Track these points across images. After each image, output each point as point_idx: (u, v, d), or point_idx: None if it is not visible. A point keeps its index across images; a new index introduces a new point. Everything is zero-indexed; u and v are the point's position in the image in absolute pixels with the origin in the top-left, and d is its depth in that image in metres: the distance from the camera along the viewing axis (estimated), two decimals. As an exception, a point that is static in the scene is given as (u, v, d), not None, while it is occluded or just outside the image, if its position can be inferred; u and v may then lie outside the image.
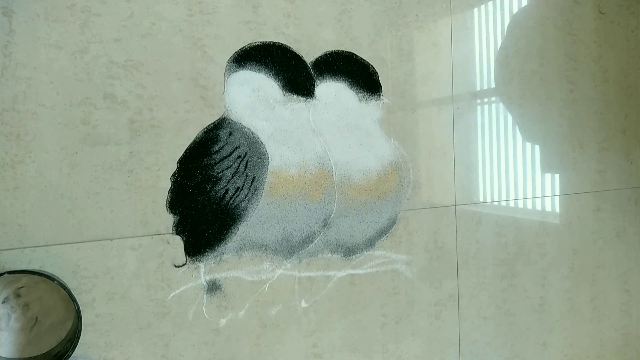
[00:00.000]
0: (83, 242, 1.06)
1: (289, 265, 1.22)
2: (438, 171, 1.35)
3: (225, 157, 1.15)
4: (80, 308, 1.00)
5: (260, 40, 1.17)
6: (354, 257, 1.28)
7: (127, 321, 1.09)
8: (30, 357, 1.03)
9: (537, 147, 1.48)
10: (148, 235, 1.10)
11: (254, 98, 1.17)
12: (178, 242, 1.13)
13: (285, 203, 1.20)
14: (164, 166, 1.11)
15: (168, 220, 1.11)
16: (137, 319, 1.10)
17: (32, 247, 1.02)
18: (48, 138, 1.02)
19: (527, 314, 1.48)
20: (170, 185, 1.11)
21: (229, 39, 1.15)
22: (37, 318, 1.03)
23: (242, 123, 1.16)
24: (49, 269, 1.03)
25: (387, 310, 1.32)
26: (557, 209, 1.52)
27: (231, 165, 1.15)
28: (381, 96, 1.28)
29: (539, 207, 1.49)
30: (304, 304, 1.24)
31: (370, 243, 1.29)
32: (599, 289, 1.57)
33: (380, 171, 1.29)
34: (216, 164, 1.14)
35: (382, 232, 1.30)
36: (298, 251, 1.22)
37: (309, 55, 1.21)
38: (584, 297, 1.55)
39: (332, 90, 1.23)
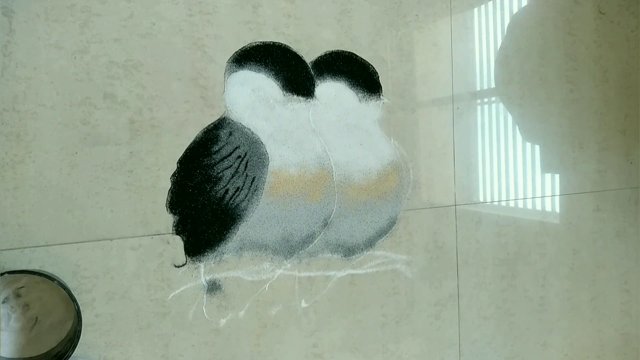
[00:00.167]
0: (83, 242, 1.06)
1: (289, 265, 1.22)
2: (438, 171, 1.35)
3: (225, 157, 1.15)
4: (80, 308, 1.00)
5: (260, 40, 1.17)
6: (354, 257, 1.28)
7: (127, 321, 1.09)
8: (30, 357, 1.03)
9: (537, 147, 1.48)
10: (148, 235, 1.10)
11: (254, 98, 1.17)
12: (178, 242, 1.13)
13: (285, 203, 1.20)
14: (164, 166, 1.11)
15: (168, 220, 1.11)
16: (137, 319, 1.10)
17: (32, 247, 1.02)
18: (48, 138, 1.02)
19: (527, 314, 1.48)
20: (170, 185, 1.11)
21: (229, 39, 1.15)
22: (37, 318, 1.03)
23: (242, 123, 1.16)
24: (49, 269, 1.03)
25: (387, 310, 1.32)
26: (557, 209, 1.52)
27: (231, 165, 1.15)
28: (381, 96, 1.28)
29: (539, 207, 1.49)
30: (304, 304, 1.24)
31: (370, 243, 1.29)
32: (599, 289, 1.57)
33: (380, 171, 1.29)
34: (216, 164, 1.14)
35: (382, 232, 1.30)
36: (298, 251, 1.22)
37: (309, 55, 1.21)
38: (584, 297, 1.55)
39: (332, 90, 1.23)
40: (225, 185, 1.15)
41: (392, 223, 1.31)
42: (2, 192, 1.00)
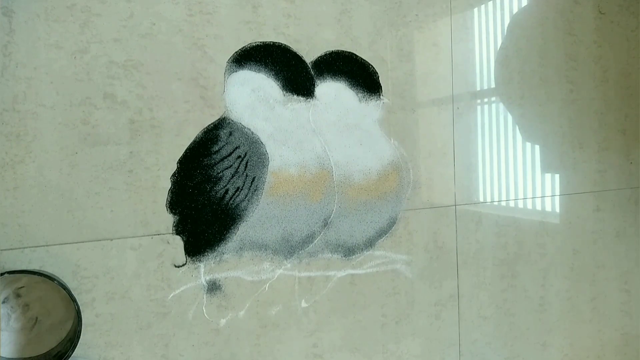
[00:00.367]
0: (83, 242, 1.06)
1: (289, 265, 1.22)
2: (438, 171, 1.35)
3: (225, 157, 1.15)
4: (80, 308, 1.00)
5: (260, 40, 1.17)
6: (354, 257, 1.28)
7: (127, 321, 1.09)
8: (30, 357, 1.03)
9: (537, 147, 1.48)
10: (148, 235, 1.10)
11: (254, 98, 1.17)
12: (178, 242, 1.13)
13: (285, 203, 1.20)
14: (164, 166, 1.11)
15: (168, 220, 1.11)
16: (137, 319, 1.10)
17: (32, 247, 1.02)
18: (48, 138, 1.02)
19: (527, 314, 1.48)
20: (170, 185, 1.11)
21: (229, 39, 1.15)
22: (37, 318, 1.03)
23: (242, 123, 1.16)
24: (49, 269, 1.03)
25: (387, 310, 1.32)
26: (557, 209, 1.52)
27: (231, 165, 1.15)
28: (381, 96, 1.28)
29: (539, 207, 1.49)
30: (304, 304, 1.24)
31: (370, 243, 1.29)
32: (599, 289, 1.57)
33: (380, 171, 1.29)
34: (216, 164, 1.14)
35: (382, 232, 1.30)
36: (298, 251, 1.22)
37: (309, 55, 1.21)
38: (584, 297, 1.55)
39: (332, 90, 1.23)
40: (225, 185, 1.15)
41: (392, 223, 1.31)
42: (2, 192, 1.00)
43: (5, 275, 0.96)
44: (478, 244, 1.41)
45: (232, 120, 1.15)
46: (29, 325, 1.03)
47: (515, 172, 1.46)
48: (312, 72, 1.21)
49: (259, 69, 1.17)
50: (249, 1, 1.16)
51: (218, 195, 1.14)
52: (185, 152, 1.12)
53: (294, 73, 1.20)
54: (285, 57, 1.19)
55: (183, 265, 1.13)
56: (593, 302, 1.57)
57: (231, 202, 1.15)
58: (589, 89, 1.52)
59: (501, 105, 1.42)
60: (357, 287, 1.29)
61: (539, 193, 1.49)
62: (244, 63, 1.16)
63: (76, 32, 1.04)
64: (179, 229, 1.12)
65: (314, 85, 1.21)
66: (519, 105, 1.44)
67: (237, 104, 1.15)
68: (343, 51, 1.24)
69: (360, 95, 1.26)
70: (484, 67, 1.39)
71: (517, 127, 1.45)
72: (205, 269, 1.15)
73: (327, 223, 1.24)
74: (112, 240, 1.08)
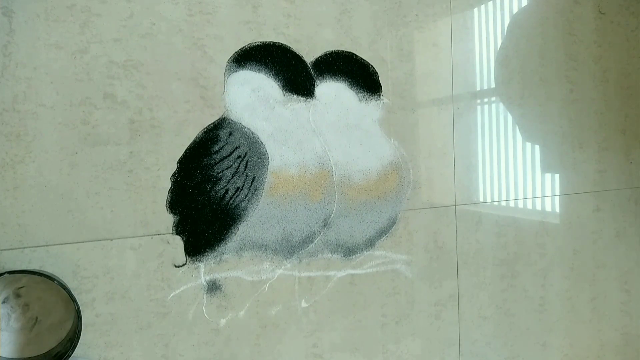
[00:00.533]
0: (83, 242, 1.06)
1: (289, 265, 1.22)
2: (438, 171, 1.35)
3: (225, 157, 1.15)
4: (80, 308, 1.00)
5: (260, 40, 1.17)
6: (354, 257, 1.28)
7: (127, 321, 1.09)
8: (30, 357, 1.03)
9: (537, 147, 1.48)
10: (148, 235, 1.10)
11: (254, 98, 1.17)
12: (178, 242, 1.13)
13: (285, 203, 1.20)
14: (164, 166, 1.11)
15: (168, 220, 1.11)
16: (137, 319, 1.10)
17: (32, 247, 1.02)
18: (48, 138, 1.02)
19: (527, 314, 1.48)
20: (170, 185, 1.11)
21: (229, 39, 1.15)
22: (37, 318, 1.03)
23: (242, 123, 1.16)
24: (49, 269, 1.03)
25: (387, 310, 1.32)
26: (557, 209, 1.52)
27: (231, 165, 1.15)
28: (381, 96, 1.28)
29: (539, 207, 1.49)
30: (304, 304, 1.24)
31: (370, 243, 1.29)
32: (599, 289, 1.57)
33: (380, 171, 1.29)
34: (216, 164, 1.14)
35: (382, 232, 1.30)
36: (298, 251, 1.22)
37: (309, 55, 1.21)
38: (584, 297, 1.55)
39: (332, 90, 1.23)
40: (225, 185, 1.15)
41: (392, 223, 1.31)
42: (2, 192, 1.00)
43: (5, 275, 0.96)
44: (478, 244, 1.41)
45: (232, 120, 1.15)
46: (29, 325, 1.03)
47: (515, 172, 1.46)
48: (312, 72, 1.21)
49: (259, 69, 1.17)
50: (249, 1, 1.16)
51: (218, 195, 1.14)
52: (185, 152, 1.12)
53: (294, 73, 1.20)
54: (285, 57, 1.19)
55: (183, 265, 1.13)
56: (593, 302, 1.57)
57: (231, 202, 1.15)
58: (589, 89, 1.52)
59: (501, 105, 1.42)
60: (357, 287, 1.29)
61: (539, 193, 1.49)
62: (244, 63, 1.16)
63: (76, 32, 1.04)
64: (179, 229, 1.12)
65: (314, 85, 1.21)
66: (519, 105, 1.44)
67: (237, 104, 1.15)
68: (343, 51, 1.24)
69: (360, 95, 1.26)
70: (484, 67, 1.39)
71: (517, 127, 1.45)
72: (205, 269, 1.15)
73: (327, 223, 1.24)
74: (112, 240, 1.08)
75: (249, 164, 1.16)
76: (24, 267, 1.02)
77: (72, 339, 1.00)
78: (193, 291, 1.14)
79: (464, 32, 1.36)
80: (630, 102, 1.57)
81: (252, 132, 1.17)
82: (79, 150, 1.05)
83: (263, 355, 1.21)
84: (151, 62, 1.09)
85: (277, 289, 1.21)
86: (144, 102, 1.09)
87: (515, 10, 1.44)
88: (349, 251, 1.27)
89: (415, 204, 1.33)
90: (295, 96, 1.20)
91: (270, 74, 1.18)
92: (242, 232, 1.17)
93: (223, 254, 1.16)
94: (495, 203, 1.43)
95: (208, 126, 1.14)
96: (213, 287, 1.16)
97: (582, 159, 1.52)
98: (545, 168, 1.49)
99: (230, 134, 1.15)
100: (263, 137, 1.17)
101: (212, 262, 1.15)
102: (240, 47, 1.16)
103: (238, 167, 1.16)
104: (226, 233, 1.16)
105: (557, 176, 1.51)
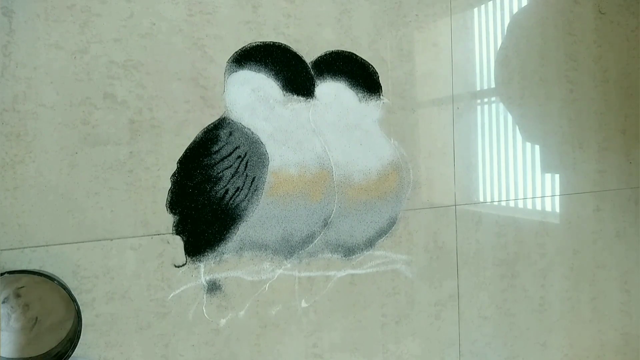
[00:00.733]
0: (83, 242, 1.06)
1: (289, 265, 1.22)
2: (438, 171, 1.35)
3: (225, 157, 1.15)
4: (80, 308, 1.00)
5: (260, 40, 1.17)
6: (354, 257, 1.28)
7: (127, 321, 1.09)
8: (30, 357, 1.03)
9: (537, 147, 1.48)
10: (148, 235, 1.10)
11: (254, 98, 1.17)
12: (178, 242, 1.13)
13: (285, 203, 1.20)
14: (164, 166, 1.11)
15: (168, 220, 1.11)
16: (137, 319, 1.10)
17: (32, 247, 1.02)
18: (48, 138, 1.02)
19: (527, 314, 1.48)
20: (170, 185, 1.11)
21: (229, 39, 1.15)
22: (37, 318, 1.03)
23: (242, 123, 1.16)
24: (49, 269, 1.03)
25: (387, 310, 1.32)
26: (557, 209, 1.52)
27: (231, 165, 1.15)
28: (381, 96, 1.28)
29: (539, 207, 1.49)
30: (304, 304, 1.24)
31: (370, 243, 1.29)
32: (599, 289, 1.57)
33: (380, 171, 1.29)
34: (216, 164, 1.14)
35: (382, 232, 1.30)
36: (298, 251, 1.22)
37: (309, 55, 1.21)
38: (584, 297, 1.55)
39: (332, 90, 1.23)
40: (225, 185, 1.15)
41: (392, 223, 1.31)
42: (2, 192, 1.00)
43: (5, 275, 0.96)
44: (478, 244, 1.41)
45: (232, 120, 1.15)
46: (29, 325, 1.03)
47: (515, 172, 1.46)
48: (312, 72, 1.21)
49: (259, 69, 1.17)
50: (249, 1, 1.16)
51: (218, 195, 1.14)
52: (185, 152, 1.12)
53: (294, 73, 1.20)
54: (285, 57, 1.19)
55: (183, 265, 1.13)
56: (593, 302, 1.57)
57: (231, 202, 1.15)
58: (589, 89, 1.52)
59: (501, 105, 1.42)
60: (357, 287, 1.29)
61: (539, 193, 1.49)
62: (244, 63, 1.16)
63: (76, 32, 1.04)
64: (179, 229, 1.12)
65: (314, 85, 1.21)
66: (519, 105, 1.44)
67: (237, 104, 1.15)
68: (343, 51, 1.24)
69: (360, 95, 1.26)
70: (484, 67, 1.39)
71: (517, 127, 1.45)
72: (205, 269, 1.15)
73: (327, 223, 1.24)
74: (112, 240, 1.08)
75: (249, 164, 1.16)
76: (24, 267, 1.02)
77: (72, 339, 1.00)
78: (193, 291, 1.14)
79: (464, 32, 1.36)
80: (630, 102, 1.57)
81: (252, 132, 1.17)
82: (79, 150, 1.05)
83: (263, 355, 1.21)
84: (151, 62, 1.09)
85: (277, 289, 1.21)
86: (144, 102, 1.09)
87: (515, 10, 1.44)
88: (349, 251, 1.27)
89: (415, 204, 1.33)
90: (295, 96, 1.20)
91: (270, 74, 1.18)
92: (242, 232, 1.17)
93: (223, 254, 1.16)
94: (495, 203, 1.43)
95: (208, 126, 1.14)
96: (213, 287, 1.16)
97: (582, 159, 1.52)
98: (545, 168, 1.49)
99: (230, 134, 1.15)
100: (263, 137, 1.17)
101: (212, 262, 1.15)
102: (240, 47, 1.16)
103: (238, 167, 1.16)
104: (226, 233, 1.16)
105: (557, 176, 1.51)
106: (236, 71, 1.15)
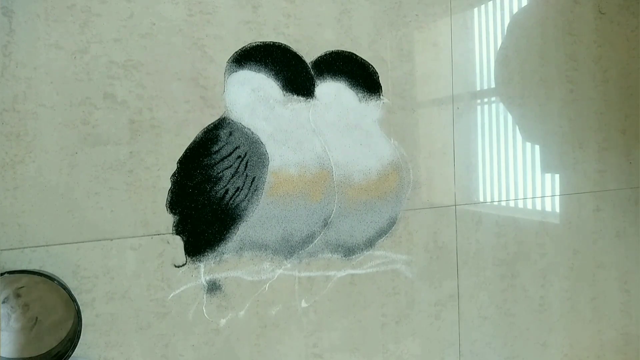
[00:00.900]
0: (83, 242, 1.06)
1: (289, 265, 1.22)
2: (438, 171, 1.35)
3: (225, 157, 1.15)
4: (80, 308, 1.00)
5: (260, 40, 1.17)
6: (354, 257, 1.28)
7: (127, 321, 1.09)
8: (30, 357, 1.03)
9: (537, 147, 1.48)
10: (148, 235, 1.10)
11: (254, 98, 1.17)
12: (178, 242, 1.13)
13: (285, 203, 1.20)
14: (164, 166, 1.11)
15: (168, 220, 1.11)
16: (137, 319, 1.10)
17: (32, 247, 1.02)
18: (48, 138, 1.02)
19: (527, 314, 1.48)
20: (170, 185, 1.11)
21: (229, 39, 1.15)
22: (37, 318, 1.03)
23: (242, 123, 1.16)
24: (49, 269, 1.03)
25: (387, 310, 1.32)
26: (557, 209, 1.52)
27: (231, 165, 1.15)
28: (381, 96, 1.28)
29: (539, 207, 1.49)
30: (304, 304, 1.24)
31: (370, 243, 1.29)
32: (599, 289, 1.57)
33: (380, 171, 1.29)
34: (216, 164, 1.14)
35: (382, 232, 1.30)
36: (298, 251, 1.22)
37: (309, 55, 1.21)
38: (584, 297, 1.55)
39: (332, 90, 1.23)
40: (225, 185, 1.15)
41: (392, 223, 1.31)
42: (2, 192, 1.00)
43: (5, 275, 0.96)
44: (478, 244, 1.41)
45: (232, 120, 1.15)
46: (29, 325, 1.03)
47: (515, 172, 1.46)
48: (312, 72, 1.21)
49: (259, 69, 1.17)
50: (249, 1, 1.16)
51: (218, 195, 1.14)
52: (185, 152, 1.12)
53: (294, 73, 1.20)
54: (285, 57, 1.19)
55: (183, 265, 1.13)
56: (593, 302, 1.57)
57: (231, 202, 1.15)
58: (589, 89, 1.52)
59: (501, 105, 1.42)
60: (357, 287, 1.29)
61: (539, 193, 1.49)
62: (244, 63, 1.16)
63: (76, 32, 1.04)
64: (179, 229, 1.12)
65: (314, 85, 1.21)
66: (519, 105, 1.44)
67: (237, 104, 1.15)
68: (343, 51, 1.24)
69: (360, 95, 1.26)
70: (484, 67, 1.39)
71: (517, 127, 1.45)
72: (205, 269, 1.15)
73: (327, 223, 1.24)
74: (112, 240, 1.08)
75: (249, 164, 1.16)
76: (24, 267, 1.02)
77: (72, 339, 1.00)
78: (193, 291, 1.14)
79: (464, 32, 1.36)
80: (630, 102, 1.57)
81: (252, 132, 1.17)
82: (79, 150, 1.05)
83: (263, 355, 1.21)
84: (151, 62, 1.09)
85: (277, 289, 1.21)
86: (144, 102, 1.09)
87: (515, 10, 1.44)
88: (349, 251, 1.27)
89: (415, 204, 1.33)
90: (295, 96, 1.20)
91: (270, 74, 1.18)
92: (242, 232, 1.17)
93: (223, 254, 1.16)
94: (495, 203, 1.43)
95: (208, 126, 1.14)
96: (213, 287, 1.16)
97: (582, 159, 1.52)
98: (545, 168, 1.49)
99: (230, 134, 1.15)
100: (263, 137, 1.17)
101: (212, 262, 1.15)
102: (240, 47, 1.16)
103: (238, 167, 1.16)
104: (226, 233, 1.16)
105: (557, 176, 1.51)
106: (236, 71, 1.15)
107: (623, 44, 1.56)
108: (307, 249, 1.23)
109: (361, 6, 1.26)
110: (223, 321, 1.17)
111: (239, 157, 1.16)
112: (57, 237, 1.04)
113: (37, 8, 1.01)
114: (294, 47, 1.20)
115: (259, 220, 1.18)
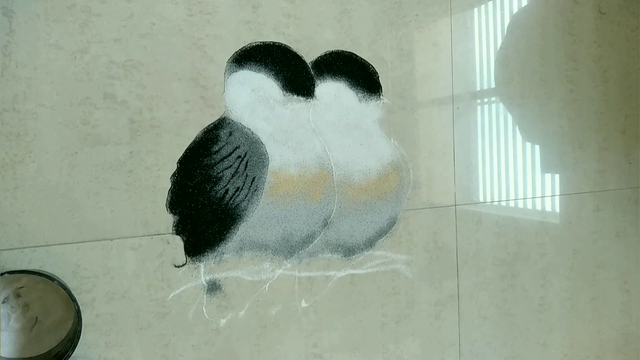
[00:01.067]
0: (83, 242, 1.06)
1: (289, 265, 1.22)
2: (438, 171, 1.35)
3: (225, 157, 1.15)
4: (80, 308, 1.00)
5: (260, 40, 1.17)
6: (354, 257, 1.28)
7: (127, 321, 1.09)
8: (30, 357, 1.03)
9: (537, 147, 1.48)
10: (148, 235, 1.10)
11: (254, 98, 1.17)
12: (178, 242, 1.13)
13: (285, 203, 1.20)
14: (164, 166, 1.11)
15: (168, 220, 1.11)
16: (137, 319, 1.10)
17: (32, 247, 1.02)
18: (48, 138, 1.02)
19: (527, 314, 1.48)
20: (170, 185, 1.11)
21: (229, 39, 1.15)
22: (37, 318, 1.03)
23: (242, 123, 1.16)
24: (49, 269, 1.03)
25: (387, 310, 1.32)
26: (557, 209, 1.52)
27: (231, 165, 1.15)
28: (381, 96, 1.28)
29: (539, 207, 1.49)
30: (304, 304, 1.24)
31: (370, 243, 1.29)
32: (599, 289, 1.57)
33: (380, 171, 1.29)
34: (216, 164, 1.14)
35: (382, 232, 1.30)
36: (298, 251, 1.22)
37: (309, 55, 1.21)
38: (584, 297, 1.55)
39: (332, 90, 1.23)
40: (225, 185, 1.15)
41: (392, 223, 1.31)
42: (2, 192, 1.00)
43: (5, 275, 0.96)
44: (478, 244, 1.41)
45: (232, 120, 1.15)
46: (29, 325, 1.03)
47: (515, 172, 1.46)
48: (312, 72, 1.21)
49: (259, 69, 1.17)
50: (249, 1, 1.16)
51: (218, 195, 1.14)
52: (185, 152, 1.12)
53: (294, 73, 1.20)
54: (285, 57, 1.19)
55: (183, 265, 1.13)
56: (593, 302, 1.57)
57: (231, 202, 1.15)
58: (589, 89, 1.52)
59: (501, 105, 1.42)
60: (357, 287, 1.29)
61: (539, 193, 1.49)
62: (244, 63, 1.16)
63: (76, 32, 1.04)
64: (179, 229, 1.12)
65: (314, 85, 1.21)
66: (519, 105, 1.44)
67: (237, 104, 1.15)
68: (343, 51, 1.24)
69: (360, 95, 1.26)
70: (484, 67, 1.39)
71: (517, 127, 1.45)
72: (205, 269, 1.15)
73: (327, 223, 1.24)
74: (112, 240, 1.08)
75: (249, 164, 1.16)
76: (24, 267, 1.02)
77: (72, 339, 1.00)
78: (193, 291, 1.14)
79: (464, 32, 1.36)
80: (630, 102, 1.57)
81: (252, 132, 1.17)
82: (79, 150, 1.05)
83: (263, 355, 1.21)
84: (151, 62, 1.09)
85: (277, 289, 1.21)
86: (144, 102, 1.09)
87: (515, 10, 1.44)
88: (349, 251, 1.27)
89: (415, 204, 1.33)
90: (295, 96, 1.20)
91: (270, 74, 1.18)
92: (242, 232, 1.17)
93: (223, 254, 1.16)
94: (495, 203, 1.43)
95: (208, 126, 1.14)
96: (213, 287, 1.16)
97: (582, 159, 1.52)
98: (545, 168, 1.49)
99: (230, 134, 1.15)
100: (263, 137, 1.17)
101: (212, 262, 1.15)
102: (240, 47, 1.16)
103: (238, 167, 1.16)
104: (226, 233, 1.16)
105: (557, 176, 1.51)
106: (236, 71, 1.15)
107: (623, 44, 1.56)
108: (307, 249, 1.23)
109: (361, 6, 1.26)
110: (223, 321, 1.17)
111: (239, 157, 1.16)
112: (57, 237, 1.04)
113: (37, 8, 1.01)
114: (294, 47, 1.20)
115: (259, 220, 1.18)
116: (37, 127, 1.02)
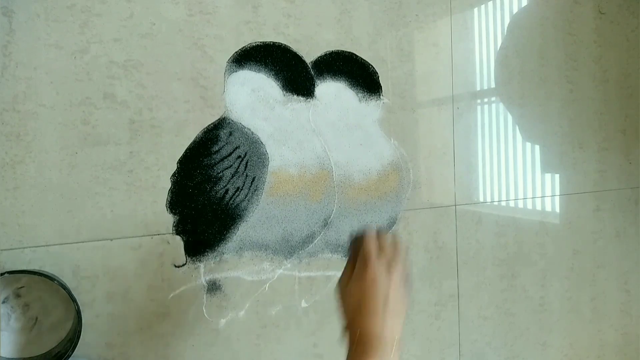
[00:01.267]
0: (83, 242, 1.06)
1: (289, 265, 1.22)
2: (438, 171, 1.35)
3: (225, 157, 1.15)
4: (80, 308, 1.00)
5: (260, 40, 1.17)
6: (354, 257, 1.27)
7: (127, 321, 1.09)
8: (30, 357, 1.03)
9: (537, 147, 1.48)
10: (148, 236, 1.10)
11: (254, 98, 1.17)
12: (178, 242, 1.13)
13: (285, 203, 1.20)
14: (164, 166, 1.11)
15: (168, 220, 1.11)
16: (137, 319, 1.10)
17: (32, 247, 1.02)
18: (48, 138, 1.02)
19: (527, 314, 1.48)
20: (170, 185, 1.11)
21: (229, 39, 1.15)
22: (37, 318, 1.03)
23: (242, 123, 1.16)
24: (49, 269, 1.03)
25: (387, 310, 1.32)
26: (557, 209, 1.52)
27: (231, 165, 1.15)
28: (381, 96, 1.28)
29: (539, 207, 1.49)
30: (304, 304, 1.24)
31: (370, 243, 1.29)
32: (599, 289, 1.57)
33: (380, 171, 1.29)
34: (216, 164, 1.14)
35: (382, 232, 1.30)
36: (298, 251, 1.22)
37: (309, 55, 1.21)
38: (584, 297, 1.55)
39: (332, 90, 1.23)
40: (225, 185, 1.15)
41: (392, 223, 1.31)
42: (2, 192, 1.00)
43: (5, 275, 0.96)
44: (478, 244, 1.41)
45: (232, 120, 1.15)
46: (29, 325, 1.03)
47: (515, 172, 1.46)
48: (312, 72, 1.21)
49: (259, 69, 1.17)
50: (249, 1, 1.16)
51: (218, 195, 1.14)
52: (185, 152, 1.12)
53: (294, 73, 1.20)
54: (285, 57, 1.19)
55: (183, 265, 1.13)
56: (593, 302, 1.57)
57: (231, 202, 1.15)
58: (589, 89, 1.52)
59: (501, 105, 1.42)
60: (357, 287, 1.29)
61: (539, 193, 1.49)
62: (244, 63, 1.16)
63: (76, 32, 1.03)
64: (179, 229, 1.12)
65: (314, 85, 1.21)
66: (519, 105, 1.44)
67: (237, 104, 1.15)
68: (343, 51, 1.24)
69: (360, 95, 1.26)
70: (484, 67, 1.39)
71: (517, 127, 1.45)
72: (205, 269, 1.15)
73: (327, 223, 1.24)
74: (112, 240, 1.08)
75: (249, 164, 1.16)
76: (24, 267, 1.02)
77: (72, 339, 1.00)
78: (193, 291, 1.14)
79: (464, 32, 1.36)
80: (630, 102, 1.57)
81: (252, 132, 1.17)
82: (79, 150, 1.05)
83: (263, 355, 1.21)
84: (151, 62, 1.09)
85: (277, 289, 1.21)
86: (144, 102, 1.09)
87: (515, 10, 1.44)
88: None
89: (415, 204, 1.33)
90: (295, 96, 1.20)
91: (270, 74, 1.18)
92: (242, 232, 1.17)
93: (223, 254, 1.16)
94: (495, 203, 1.43)
95: (208, 126, 1.14)
96: (213, 287, 1.16)
97: (582, 159, 1.52)
98: (545, 168, 1.49)
99: (230, 134, 1.15)
100: (263, 137, 1.17)
101: (212, 262, 1.15)
102: (240, 47, 1.16)
103: (238, 167, 1.16)
104: (226, 233, 1.16)
105: (557, 176, 1.51)
106: (236, 71, 1.15)
107: (623, 44, 1.56)
108: (307, 249, 1.23)
109: (361, 6, 1.26)
110: (223, 321, 1.17)
111: (239, 157, 1.16)
112: (57, 237, 1.04)
113: (37, 8, 1.01)
114: (294, 47, 1.20)
115: (259, 220, 1.18)
116: (37, 127, 1.02)
